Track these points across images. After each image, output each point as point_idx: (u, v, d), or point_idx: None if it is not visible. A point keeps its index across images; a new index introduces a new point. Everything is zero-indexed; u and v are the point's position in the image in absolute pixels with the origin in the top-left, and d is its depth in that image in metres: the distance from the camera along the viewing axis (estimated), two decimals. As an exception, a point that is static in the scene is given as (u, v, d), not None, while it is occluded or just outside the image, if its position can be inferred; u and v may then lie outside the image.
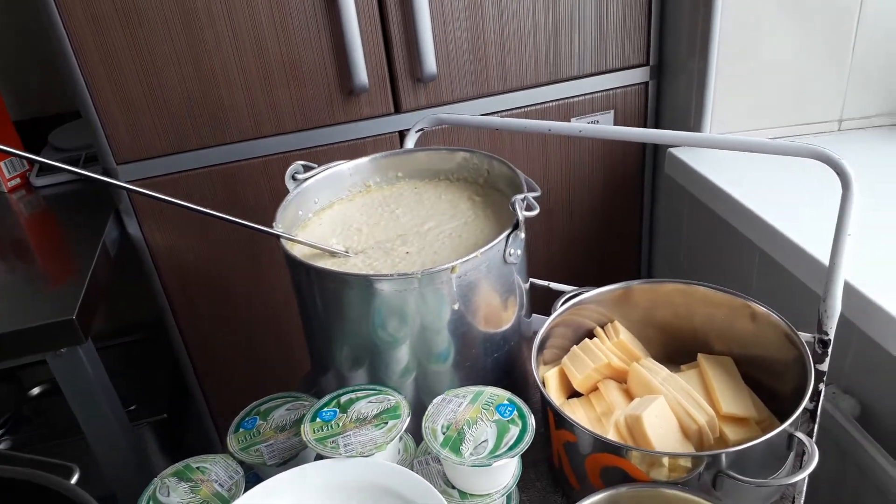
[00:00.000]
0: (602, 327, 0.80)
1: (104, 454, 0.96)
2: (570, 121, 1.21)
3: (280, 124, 1.10)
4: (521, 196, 0.68)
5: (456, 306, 0.66)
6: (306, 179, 0.80)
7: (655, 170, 1.29)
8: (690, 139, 0.75)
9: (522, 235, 0.69)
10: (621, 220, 1.33)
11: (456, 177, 0.85)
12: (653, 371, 0.73)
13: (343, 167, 0.83)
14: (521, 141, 1.20)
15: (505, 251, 0.67)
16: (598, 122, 1.22)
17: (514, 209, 0.66)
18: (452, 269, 0.63)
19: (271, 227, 0.71)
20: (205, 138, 1.08)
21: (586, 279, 1.45)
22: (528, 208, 0.68)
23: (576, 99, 1.19)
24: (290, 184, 0.79)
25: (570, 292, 0.81)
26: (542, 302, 0.81)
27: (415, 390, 0.71)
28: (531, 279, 0.90)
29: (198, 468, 0.66)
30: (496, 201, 0.80)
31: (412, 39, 1.07)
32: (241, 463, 0.67)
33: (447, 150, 0.85)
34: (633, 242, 1.36)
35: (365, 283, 0.65)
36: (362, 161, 0.84)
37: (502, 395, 0.64)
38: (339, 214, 0.82)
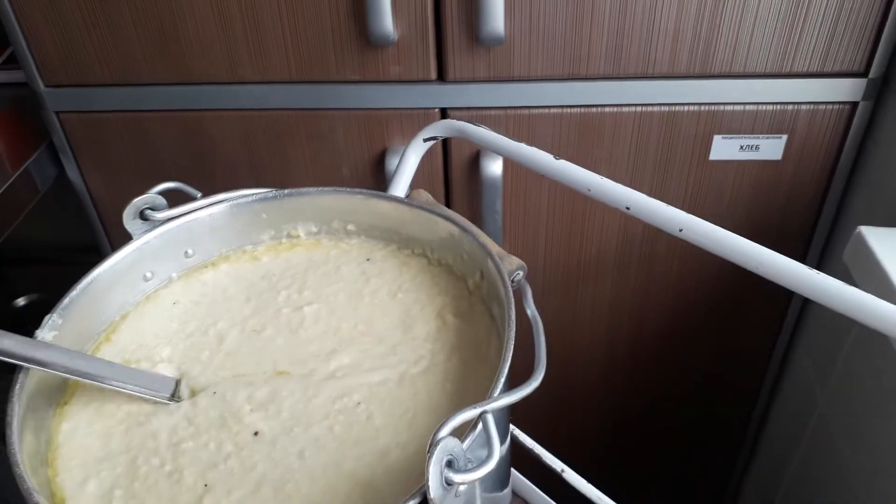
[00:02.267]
0: None
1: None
2: (712, 139, 0.77)
3: (265, 69, 0.75)
4: (465, 416, 0.31)
5: None
6: (167, 220, 0.46)
7: (826, 254, 0.83)
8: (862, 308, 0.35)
9: None
10: (731, 354, 0.89)
11: (437, 258, 0.48)
12: None
13: (244, 203, 0.48)
14: (624, 156, 0.78)
15: (403, 534, 0.31)
16: (757, 148, 0.77)
17: (429, 461, 0.29)
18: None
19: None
20: (160, 71, 0.76)
21: (629, 447, 1.06)
22: (465, 467, 0.31)
23: (728, 108, 0.75)
24: (132, 226, 0.45)
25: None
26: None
27: None
28: (525, 438, 0.53)
29: None
30: (481, 336, 0.43)
31: (471, -24, 0.67)
32: None
33: (428, 211, 0.47)
34: (737, 397, 0.93)
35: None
36: (281, 196, 0.49)
37: None
38: (215, 286, 0.48)
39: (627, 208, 0.47)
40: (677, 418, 1.01)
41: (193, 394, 0.40)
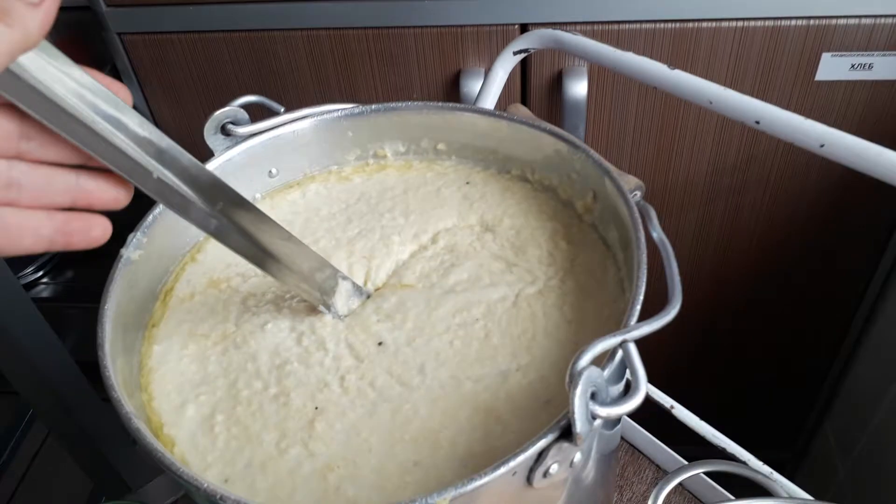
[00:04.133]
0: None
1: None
2: (820, 57, 0.70)
3: (334, -16, 0.70)
4: (605, 344, 0.28)
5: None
6: (250, 136, 0.43)
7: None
8: None
9: (578, 456, 0.29)
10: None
11: (539, 179, 0.44)
12: None
13: (329, 120, 0.45)
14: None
15: (532, 472, 0.28)
16: (871, 67, 0.70)
17: (574, 392, 0.26)
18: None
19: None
20: (225, -12, 0.72)
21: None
22: (607, 399, 0.27)
23: (841, 22, 0.67)
24: (214, 141, 0.42)
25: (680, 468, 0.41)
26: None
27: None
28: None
29: None
30: (595, 263, 0.39)
31: None
32: None
33: (531, 127, 0.43)
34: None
35: None
36: (368, 111, 0.45)
37: None
38: (307, 206, 0.45)
39: (757, 122, 0.42)
40: (758, 357, 0.97)
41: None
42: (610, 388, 0.29)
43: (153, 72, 0.79)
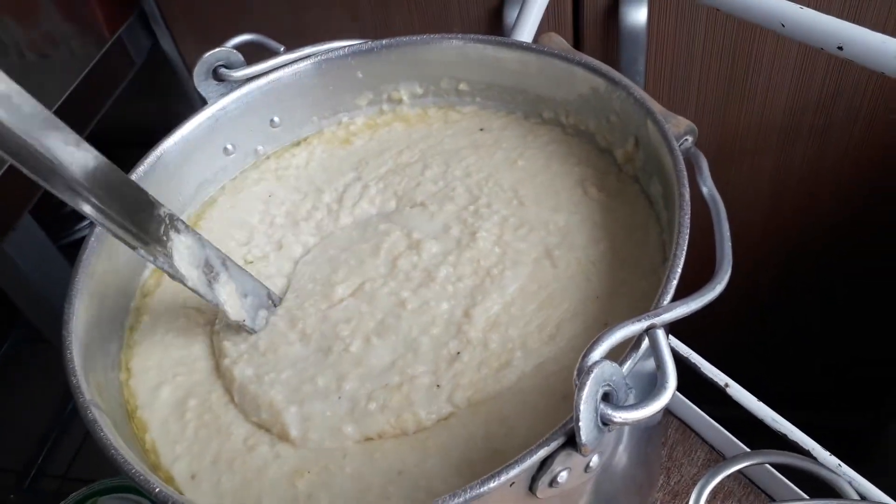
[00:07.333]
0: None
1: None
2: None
3: None
4: (626, 331, 0.22)
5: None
6: (246, 80, 0.38)
7: None
8: None
9: (594, 459, 0.24)
10: None
11: (574, 124, 0.38)
12: None
13: (335, 59, 0.39)
14: None
15: (535, 482, 0.23)
16: None
17: (579, 395, 0.21)
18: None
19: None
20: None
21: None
22: (626, 400, 0.22)
23: (958, -77, 0.56)
24: (206, 88, 0.38)
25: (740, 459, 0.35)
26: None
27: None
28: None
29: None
30: (637, 220, 0.33)
31: None
32: None
33: (563, 60, 0.36)
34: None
35: None
36: (379, 48, 0.39)
37: None
38: (316, 165, 0.40)
39: (840, 48, 0.34)
40: (836, 329, 0.88)
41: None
42: (633, 386, 0.24)
43: (180, 12, 0.75)
